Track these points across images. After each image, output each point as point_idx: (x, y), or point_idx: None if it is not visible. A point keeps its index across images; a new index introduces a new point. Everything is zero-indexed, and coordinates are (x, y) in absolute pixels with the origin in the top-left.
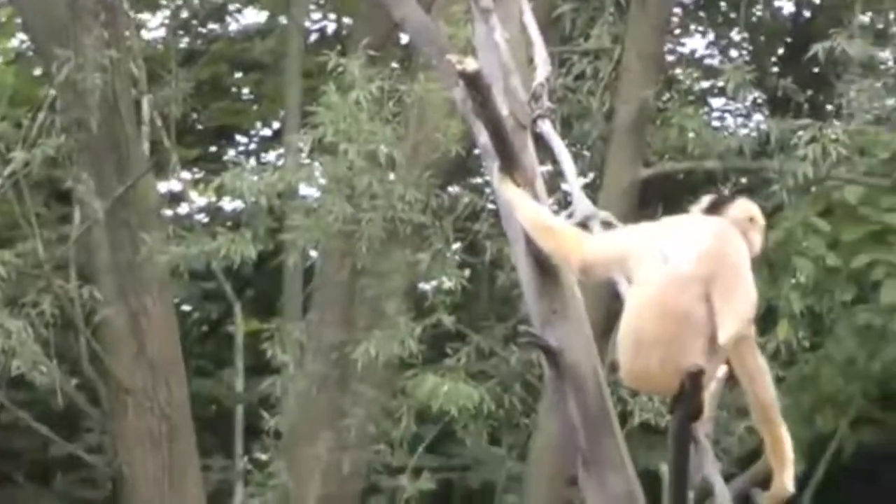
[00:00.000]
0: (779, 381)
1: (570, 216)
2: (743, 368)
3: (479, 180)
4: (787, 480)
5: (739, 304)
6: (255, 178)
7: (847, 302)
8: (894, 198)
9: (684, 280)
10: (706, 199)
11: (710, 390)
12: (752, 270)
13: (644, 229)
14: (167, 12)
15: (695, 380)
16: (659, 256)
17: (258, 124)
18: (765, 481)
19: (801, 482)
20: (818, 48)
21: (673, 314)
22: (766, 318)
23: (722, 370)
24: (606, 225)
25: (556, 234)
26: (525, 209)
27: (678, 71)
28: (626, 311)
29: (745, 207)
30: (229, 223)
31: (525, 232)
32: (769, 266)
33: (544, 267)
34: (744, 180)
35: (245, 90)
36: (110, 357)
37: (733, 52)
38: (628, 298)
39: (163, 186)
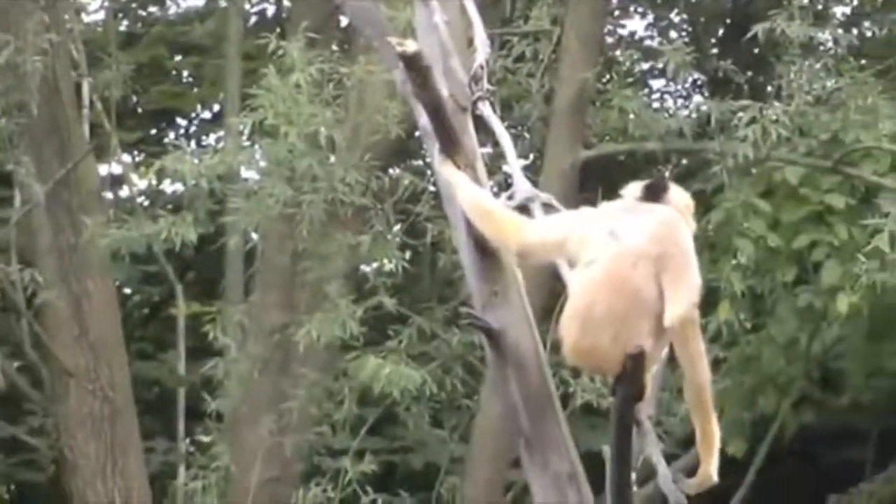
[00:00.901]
0: (720, 362)
1: (510, 198)
2: (685, 351)
3: (419, 162)
4: (712, 469)
5: (687, 286)
6: (196, 160)
7: (788, 283)
8: (835, 178)
9: (636, 257)
10: (638, 186)
11: (653, 372)
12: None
13: (585, 213)
14: None
15: (637, 361)
16: (607, 236)
17: (198, 107)
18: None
19: (743, 463)
20: (758, 29)
21: (624, 290)
22: (707, 300)
23: (663, 352)
24: (547, 207)
25: (496, 217)
26: (465, 191)
27: (618, 52)
28: (574, 289)
29: (681, 195)
30: (170, 206)
31: (466, 214)
32: (710, 247)
33: (485, 249)
34: (684, 162)
35: (185, 73)
36: (52, 340)
37: (673, 34)
38: (576, 276)
39: (104, 169)
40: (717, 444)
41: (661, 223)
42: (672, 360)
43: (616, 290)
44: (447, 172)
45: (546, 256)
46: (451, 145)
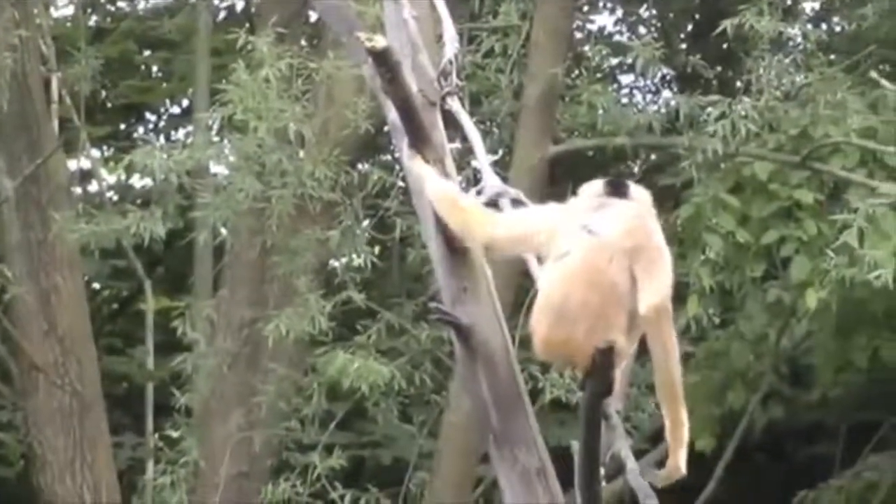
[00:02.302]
0: (689, 357)
1: (479, 193)
2: (657, 342)
3: (388, 157)
4: (680, 461)
5: (661, 277)
6: (165, 155)
7: (757, 278)
8: (804, 174)
9: (611, 250)
10: (598, 184)
11: (622, 367)
12: None
13: (554, 208)
14: None
15: (606, 356)
16: (580, 230)
17: (167, 102)
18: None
19: (712, 458)
20: (727, 24)
21: (601, 283)
22: (676, 295)
23: (633, 348)
24: (516, 202)
25: (464, 211)
26: (434, 185)
27: (587, 48)
28: (547, 281)
29: (642, 192)
30: (139, 201)
31: (434, 208)
32: (679, 242)
33: (454, 245)
34: (653, 157)
35: (154, 68)
36: (21, 335)
37: (642, 29)
38: (548, 269)
39: (73, 164)
40: (686, 437)
41: (633, 217)
42: (641, 355)
43: (592, 283)
44: (416, 166)
45: (513, 250)
46: (420, 140)
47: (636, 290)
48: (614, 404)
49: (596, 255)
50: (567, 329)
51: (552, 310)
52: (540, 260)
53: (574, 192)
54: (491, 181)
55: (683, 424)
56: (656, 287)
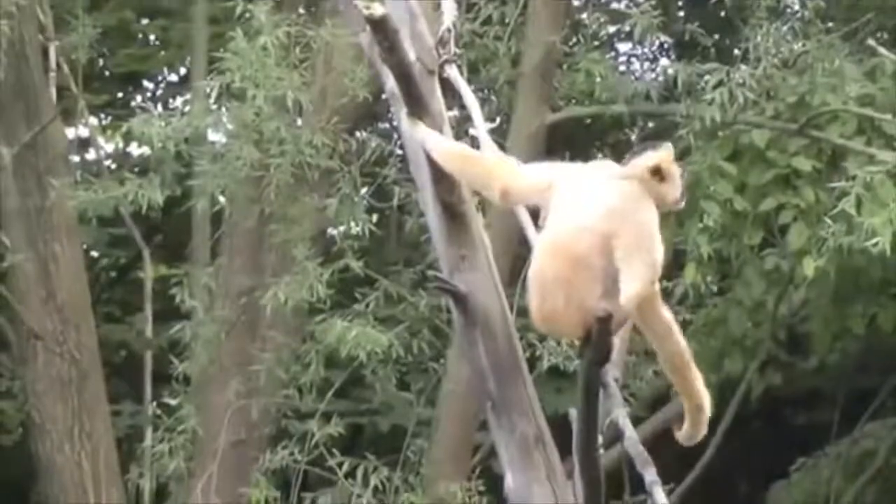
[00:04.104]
0: (687, 324)
1: None
2: (648, 327)
3: (386, 126)
4: (700, 425)
5: (642, 264)
6: (163, 123)
7: (755, 246)
8: (801, 142)
9: (583, 229)
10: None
11: (619, 335)
12: (663, 217)
13: (566, 169)
14: None
15: (603, 324)
16: (568, 203)
17: (165, 70)
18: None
19: (710, 425)
20: None
21: (567, 256)
22: (674, 262)
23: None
24: None
25: (478, 161)
26: (440, 145)
27: (585, 16)
28: (533, 254)
29: (656, 157)
30: (137, 169)
31: (433, 177)
32: (676, 210)
33: (453, 213)
34: (651, 125)
35: (152, 36)
36: (19, 302)
37: None
38: (536, 243)
39: (71, 132)
40: (705, 402)
41: (622, 197)
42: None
43: (560, 257)
44: (418, 131)
45: (527, 198)
46: (418, 108)
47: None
48: (612, 372)
49: (567, 232)
50: (550, 301)
51: (535, 284)
52: (543, 216)
53: (572, 160)
54: (489, 149)
55: (700, 392)
56: (636, 275)
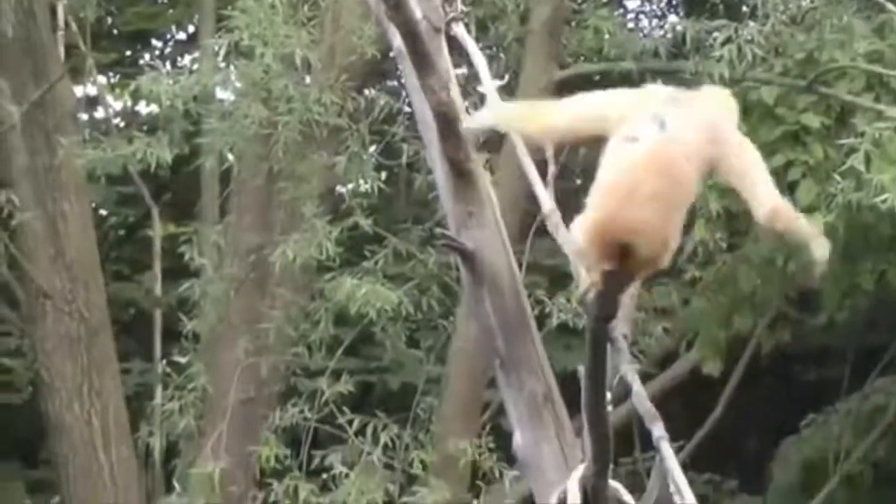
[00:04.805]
0: (696, 282)
1: None
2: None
3: (394, 83)
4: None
5: (764, 175)
6: (171, 81)
7: None
8: (810, 98)
9: (685, 146)
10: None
11: (629, 291)
12: None
13: (623, 92)
14: None
15: (611, 278)
16: (651, 119)
17: (174, 28)
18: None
19: (719, 382)
20: None
21: (671, 177)
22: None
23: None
24: None
25: (529, 108)
26: (496, 109)
27: None
28: (614, 164)
29: (723, 94)
30: (146, 127)
31: (441, 134)
32: None
33: (460, 170)
34: (659, 82)
35: None
36: (28, 261)
37: None
38: (615, 153)
39: (79, 91)
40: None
41: (710, 116)
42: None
43: (663, 175)
44: (480, 118)
45: (575, 129)
46: (425, 67)
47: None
48: (621, 328)
49: (669, 147)
50: (633, 215)
51: (620, 194)
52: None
53: None
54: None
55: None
56: (768, 188)
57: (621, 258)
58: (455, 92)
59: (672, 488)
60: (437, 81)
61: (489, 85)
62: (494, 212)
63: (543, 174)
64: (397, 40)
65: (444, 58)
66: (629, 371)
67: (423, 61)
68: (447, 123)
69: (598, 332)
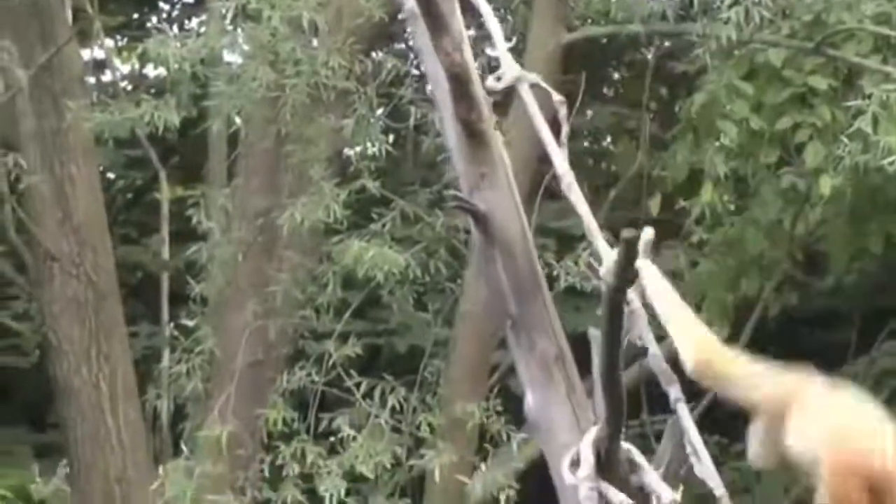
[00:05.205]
0: (703, 244)
1: (498, 79)
2: None
3: (402, 46)
4: None
5: None
6: (179, 44)
7: (771, 164)
8: (818, 60)
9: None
10: None
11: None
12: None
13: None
14: None
15: (629, 247)
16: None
17: None
18: None
19: (728, 343)
20: None
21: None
22: (691, 183)
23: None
24: (534, 87)
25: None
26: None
27: None
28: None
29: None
30: (153, 90)
31: (453, 95)
32: (693, 130)
33: (472, 131)
34: (667, 44)
35: None
36: (36, 224)
37: None
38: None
39: (86, 54)
40: None
41: None
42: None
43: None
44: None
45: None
46: (438, 28)
47: None
48: (637, 293)
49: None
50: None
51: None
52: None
53: (588, 79)
54: (510, 68)
55: None
56: None
57: None
58: (468, 53)
59: (689, 449)
60: (450, 42)
61: (502, 47)
62: (507, 173)
63: (556, 134)
64: (410, 1)
65: (458, 19)
66: (644, 331)
67: (436, 22)
68: (460, 84)
69: (614, 300)
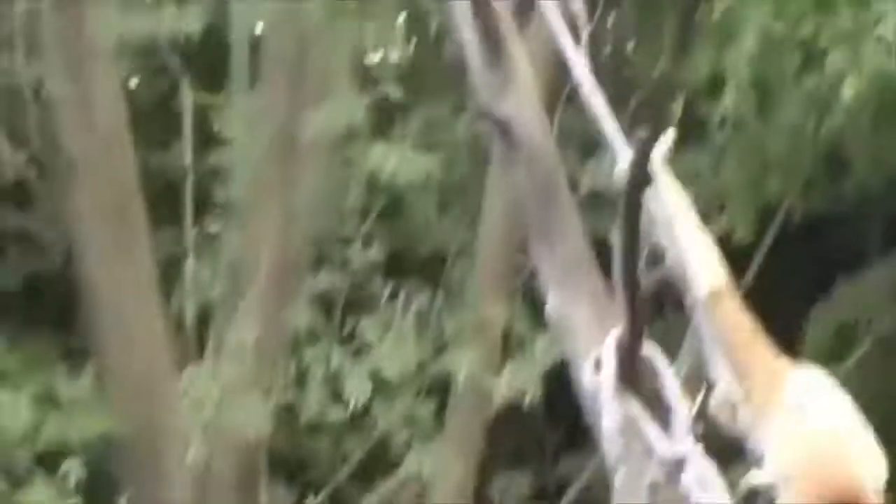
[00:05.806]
0: (725, 149)
1: None
2: None
3: None
4: None
5: None
6: None
7: (794, 68)
8: None
9: None
10: None
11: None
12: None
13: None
14: None
15: (643, 147)
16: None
17: None
18: None
19: (750, 249)
20: None
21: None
22: (712, 87)
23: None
24: None
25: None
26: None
27: None
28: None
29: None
30: None
31: (473, 3)
32: (715, 36)
33: (493, 38)
34: None
35: None
36: (59, 131)
37: None
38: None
39: None
40: None
41: None
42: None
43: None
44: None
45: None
46: None
47: None
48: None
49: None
50: None
51: None
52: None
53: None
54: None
55: None
56: None
57: None
58: None
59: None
60: None
61: None
62: (529, 79)
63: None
64: None
65: None
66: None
67: None
68: None
69: (631, 196)
